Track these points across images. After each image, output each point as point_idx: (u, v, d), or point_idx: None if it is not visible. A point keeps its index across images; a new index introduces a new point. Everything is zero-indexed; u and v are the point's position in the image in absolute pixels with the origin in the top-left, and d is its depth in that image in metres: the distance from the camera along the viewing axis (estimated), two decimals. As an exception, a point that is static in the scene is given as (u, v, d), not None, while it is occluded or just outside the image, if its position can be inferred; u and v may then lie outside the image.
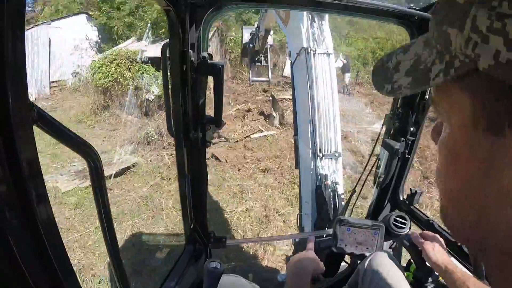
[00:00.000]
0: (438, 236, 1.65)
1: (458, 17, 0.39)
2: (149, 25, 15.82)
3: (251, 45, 6.88)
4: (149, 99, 11.64)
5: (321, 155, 2.86)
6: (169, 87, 1.53)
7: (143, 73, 11.90)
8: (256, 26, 6.56)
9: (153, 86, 11.69)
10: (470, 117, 0.41)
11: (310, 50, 2.98)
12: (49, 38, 15.76)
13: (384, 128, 2.29)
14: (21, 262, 0.54)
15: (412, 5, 1.81)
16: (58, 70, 16.02)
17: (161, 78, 9.68)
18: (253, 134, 10.11)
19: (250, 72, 7.21)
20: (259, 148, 9.28)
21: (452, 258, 1.64)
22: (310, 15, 3.21)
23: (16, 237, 0.53)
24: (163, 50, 1.46)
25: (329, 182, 2.87)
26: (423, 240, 1.64)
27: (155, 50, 12.85)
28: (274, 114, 10.78)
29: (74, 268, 0.70)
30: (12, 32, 0.48)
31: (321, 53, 3.01)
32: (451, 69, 0.41)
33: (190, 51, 1.48)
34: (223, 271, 1.61)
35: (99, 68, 12.05)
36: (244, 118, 11.38)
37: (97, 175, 0.83)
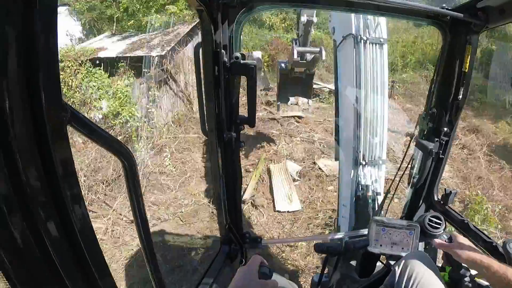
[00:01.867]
0: (460, 237, 1.62)
1: None
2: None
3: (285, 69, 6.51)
4: (95, 118, 8.36)
5: (363, 162, 2.70)
6: (203, 87, 1.54)
7: (90, 80, 8.53)
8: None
9: (101, 100, 8.45)
10: None
11: (361, 38, 2.59)
12: None
13: (418, 129, 2.26)
14: (57, 262, 0.55)
15: (444, 5, 1.76)
16: None
17: (112, 88, 8.48)
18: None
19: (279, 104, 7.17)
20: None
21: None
22: None
23: (52, 238, 0.53)
24: (196, 50, 1.47)
25: (369, 193, 2.79)
26: (447, 244, 1.61)
27: (116, 48, 10.31)
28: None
29: (109, 269, 0.70)
30: (45, 33, 0.49)
31: (373, 43, 2.62)
32: None
33: (223, 51, 1.48)
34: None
35: None
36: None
37: (132, 174, 0.83)
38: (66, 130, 0.56)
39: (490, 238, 1.87)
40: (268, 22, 15.91)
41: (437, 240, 1.68)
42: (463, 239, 1.60)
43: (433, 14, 1.81)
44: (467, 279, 1.60)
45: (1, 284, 0.50)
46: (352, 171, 2.75)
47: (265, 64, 13.41)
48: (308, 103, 7.08)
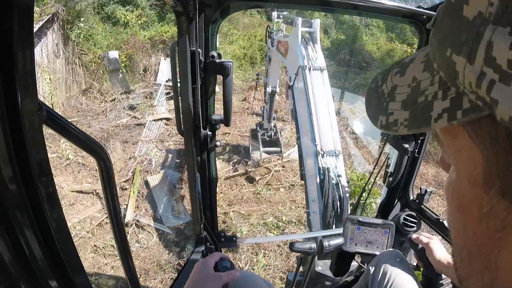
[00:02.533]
0: (435, 237, 1.67)
1: (466, 40, 0.28)
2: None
3: (258, 129, 7.83)
4: None
5: (322, 152, 3.12)
6: (178, 86, 1.53)
7: None
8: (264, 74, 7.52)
9: None
10: (481, 175, 0.33)
11: (306, 66, 3.50)
12: None
13: None
14: (32, 263, 0.54)
15: (421, 4, 1.81)
16: None
17: None
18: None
19: (260, 148, 7.57)
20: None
21: None
22: (304, 41, 3.90)
23: (27, 238, 0.53)
24: (172, 49, 1.46)
25: (332, 175, 3.01)
26: (427, 240, 1.65)
27: None
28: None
29: (85, 268, 0.69)
30: (21, 32, 0.48)
31: (315, 69, 3.52)
32: (458, 111, 0.31)
33: (199, 50, 1.48)
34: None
35: None
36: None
37: (107, 175, 0.82)
38: (42, 130, 0.55)
39: None
40: (123, 19, 14.05)
41: (414, 235, 1.72)
42: (436, 239, 1.65)
43: (410, 14, 1.84)
44: (443, 278, 1.64)
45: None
46: (313, 161, 3.14)
47: (123, 64, 11.97)
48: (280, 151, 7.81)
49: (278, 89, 6.87)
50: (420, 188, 2.24)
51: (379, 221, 2.01)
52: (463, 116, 0.30)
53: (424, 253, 1.64)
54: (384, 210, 2.52)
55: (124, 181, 6.74)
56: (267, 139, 7.80)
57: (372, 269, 1.71)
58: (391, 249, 1.94)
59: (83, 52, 11.84)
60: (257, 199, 6.60)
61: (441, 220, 2.09)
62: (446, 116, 0.32)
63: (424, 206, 2.25)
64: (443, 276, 1.63)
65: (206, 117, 1.69)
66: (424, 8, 1.79)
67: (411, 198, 2.34)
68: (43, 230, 0.57)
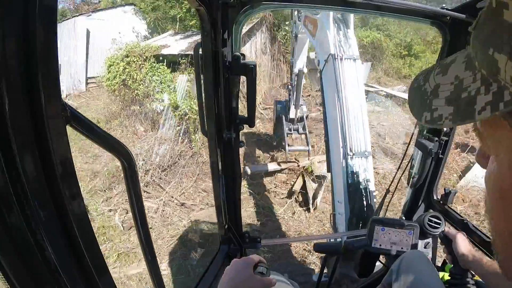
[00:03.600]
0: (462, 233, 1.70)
1: (507, 40, 0.32)
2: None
3: (283, 116, 7.10)
4: (157, 109, 9.14)
5: (351, 154, 2.98)
6: (202, 87, 1.54)
7: (153, 75, 9.24)
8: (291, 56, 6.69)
9: (163, 93, 9.04)
10: None
11: (337, 55, 3.20)
12: (87, 30, 14.27)
13: (417, 128, 2.28)
14: (55, 260, 0.55)
15: (444, 5, 1.77)
16: (98, 65, 13.33)
17: (175, 82, 9.15)
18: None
19: (286, 141, 7.01)
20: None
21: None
22: (336, 23, 3.48)
23: (50, 237, 0.53)
24: (196, 50, 1.47)
25: (360, 180, 2.94)
26: (456, 232, 1.68)
27: (178, 46, 10.92)
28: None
29: (108, 267, 0.70)
30: (45, 32, 0.49)
31: (348, 58, 3.22)
32: (500, 103, 0.35)
33: (223, 50, 1.48)
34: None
35: (109, 66, 9.66)
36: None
37: (131, 175, 0.83)
38: (66, 130, 0.56)
39: (489, 238, 1.86)
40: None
41: (446, 229, 1.76)
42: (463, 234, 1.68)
43: (433, 15, 1.81)
44: (469, 278, 1.60)
45: (1, 285, 0.50)
46: (342, 162, 3.00)
47: None
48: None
49: (306, 70, 6.17)
50: (444, 189, 2.21)
51: (404, 222, 2.00)
52: (505, 107, 0.34)
53: (452, 248, 1.63)
54: (408, 211, 2.49)
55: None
56: (293, 134, 7.17)
57: (394, 270, 1.69)
58: (415, 250, 1.93)
59: (287, 51, 13.18)
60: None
61: (465, 221, 2.05)
62: (489, 108, 0.36)
63: (448, 207, 2.21)
64: (469, 275, 1.59)
65: (230, 118, 1.69)
66: (447, 9, 1.75)
67: (435, 198, 2.31)
68: (67, 230, 0.57)
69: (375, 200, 2.95)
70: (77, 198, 0.58)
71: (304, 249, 5.15)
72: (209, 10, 1.36)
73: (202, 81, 1.53)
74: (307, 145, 7.06)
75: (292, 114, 7.10)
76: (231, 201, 1.97)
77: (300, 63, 6.11)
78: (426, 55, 15.34)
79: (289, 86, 7.29)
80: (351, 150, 2.98)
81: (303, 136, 7.37)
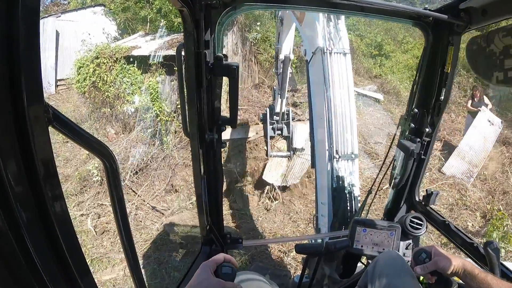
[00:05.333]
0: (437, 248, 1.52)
1: None
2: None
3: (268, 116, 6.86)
4: (128, 112, 9.04)
5: (337, 156, 2.86)
6: (184, 88, 1.53)
7: (124, 76, 9.08)
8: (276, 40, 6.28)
9: (134, 95, 8.93)
10: None
11: (326, 49, 2.96)
12: (57, 31, 13.99)
13: (399, 129, 2.27)
14: (38, 262, 0.54)
15: (426, 6, 1.80)
16: (68, 67, 12.94)
17: (145, 84, 8.99)
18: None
19: (269, 146, 6.85)
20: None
21: (468, 259, 1.64)
22: (326, 14, 3.15)
23: (32, 237, 0.53)
24: (178, 51, 1.46)
25: (345, 184, 2.87)
26: (429, 265, 1.48)
27: (149, 47, 10.50)
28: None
29: (90, 268, 0.70)
30: (28, 34, 0.48)
31: (337, 53, 2.99)
32: None
33: (205, 51, 1.48)
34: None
35: (79, 68, 9.50)
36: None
37: (113, 176, 0.83)
38: (48, 131, 0.55)
39: (471, 239, 1.90)
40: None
41: (417, 268, 1.51)
42: (440, 250, 1.51)
43: (416, 15, 1.83)
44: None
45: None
46: (328, 164, 2.88)
47: (294, 65, 11.99)
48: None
49: (292, 56, 5.60)
50: (426, 190, 2.23)
51: (385, 223, 2.01)
52: None
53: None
54: (390, 212, 2.50)
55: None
56: (277, 136, 6.93)
57: (370, 271, 1.69)
58: (390, 250, 1.94)
59: (258, 52, 13.04)
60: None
61: (447, 223, 2.06)
62: None
63: (430, 208, 2.23)
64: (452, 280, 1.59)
65: (212, 119, 1.69)
66: (430, 10, 1.78)
67: (417, 200, 2.33)
68: (49, 231, 0.57)
69: (359, 204, 2.89)
70: (59, 199, 0.58)
71: (279, 251, 5.20)
72: (192, 11, 1.36)
73: (184, 82, 1.53)
74: (288, 150, 6.99)
75: (278, 107, 6.69)
76: (213, 202, 1.96)
77: (287, 49, 5.60)
78: (396, 55, 15.30)
79: (275, 70, 6.85)
80: (337, 153, 2.88)
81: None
